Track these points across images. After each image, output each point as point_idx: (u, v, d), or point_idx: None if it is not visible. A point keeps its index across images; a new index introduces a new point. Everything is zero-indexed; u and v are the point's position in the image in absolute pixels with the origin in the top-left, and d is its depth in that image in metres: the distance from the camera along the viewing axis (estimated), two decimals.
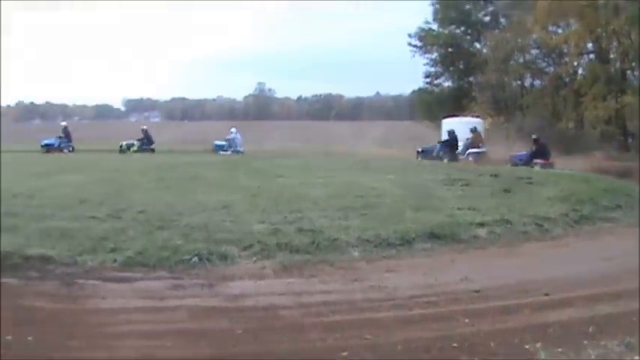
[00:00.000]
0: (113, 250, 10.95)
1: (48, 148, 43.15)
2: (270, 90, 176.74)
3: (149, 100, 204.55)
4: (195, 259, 10.64)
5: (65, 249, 10.93)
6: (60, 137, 44.44)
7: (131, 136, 44.79)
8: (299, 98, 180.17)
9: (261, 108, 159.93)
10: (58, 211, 14.35)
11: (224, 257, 10.78)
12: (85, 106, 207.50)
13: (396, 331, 7.59)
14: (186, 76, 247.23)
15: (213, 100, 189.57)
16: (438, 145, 38.17)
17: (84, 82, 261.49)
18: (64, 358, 6.77)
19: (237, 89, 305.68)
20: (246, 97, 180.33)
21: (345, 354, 6.84)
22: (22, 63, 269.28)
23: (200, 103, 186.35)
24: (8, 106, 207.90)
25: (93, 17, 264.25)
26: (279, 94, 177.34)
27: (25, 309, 8.58)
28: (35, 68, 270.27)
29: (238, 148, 43.03)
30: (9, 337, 7.32)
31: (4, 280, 9.76)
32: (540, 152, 32.95)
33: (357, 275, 10.19)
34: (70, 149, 43.68)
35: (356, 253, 11.43)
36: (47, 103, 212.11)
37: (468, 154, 36.46)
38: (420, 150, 38.81)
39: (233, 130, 44.86)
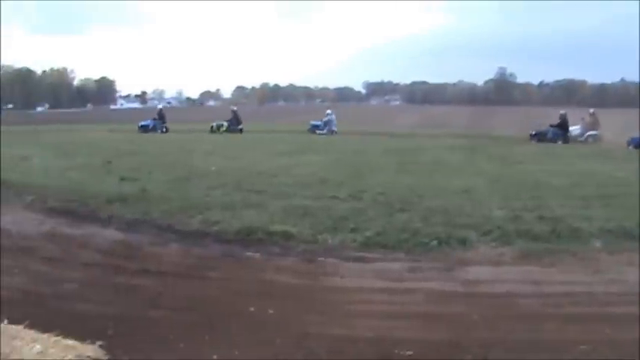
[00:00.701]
0: (353, 230, 11.11)
1: (144, 128, 45.68)
2: (511, 75, 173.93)
3: (390, 83, 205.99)
4: (434, 242, 10.57)
5: (307, 227, 11.26)
6: (154, 119, 47.00)
7: (371, 118, 45.19)
8: (540, 83, 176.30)
9: (501, 93, 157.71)
10: (300, 190, 14.81)
11: (463, 242, 10.62)
12: (326, 89, 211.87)
13: (637, 328, 7.22)
14: (428, 59, 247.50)
15: (454, 84, 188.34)
16: (551, 129, 39.09)
17: (326, 65, 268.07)
18: (303, 332, 6.94)
19: (479, 74, 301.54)
20: (486, 82, 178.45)
21: (583, 347, 6.60)
22: (268, 46, 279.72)
23: (440, 88, 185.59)
24: (253, 88, 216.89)
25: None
26: (520, 79, 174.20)
27: (267, 282, 8.91)
28: (278, 51, 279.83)
29: (333, 128, 44.95)
30: (252, 309, 7.65)
31: (248, 253, 10.21)
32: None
33: (597, 267, 9.70)
34: (164, 130, 45.90)
35: (597, 244, 10.90)
36: (290, 85, 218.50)
37: (588, 135, 38.31)
38: (533, 133, 39.49)
39: (329, 111, 47.12)
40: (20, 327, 4.58)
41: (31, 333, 4.49)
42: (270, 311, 7.58)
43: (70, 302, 8.23)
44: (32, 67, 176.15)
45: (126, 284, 8.95)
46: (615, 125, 41.39)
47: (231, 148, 28.82)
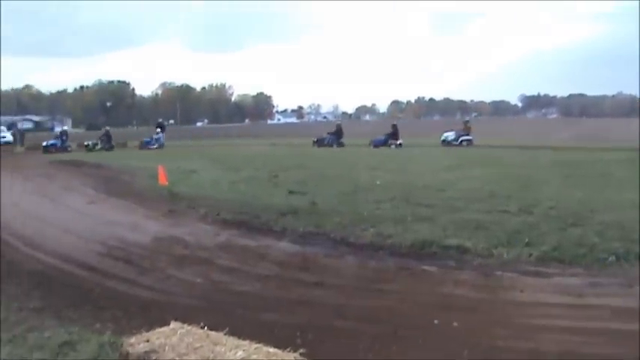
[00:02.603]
0: (528, 245, 10.94)
1: (49, 149, 46.62)
2: None
3: (546, 96, 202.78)
4: (612, 257, 10.25)
5: (481, 241, 11.18)
6: (57, 137, 49.13)
7: (528, 131, 44.21)
8: None
9: None
10: (470, 204, 14.72)
11: None
12: (482, 102, 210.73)
13: None
14: (585, 71, 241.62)
15: (612, 96, 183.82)
16: (328, 136, 50.25)
17: (482, 78, 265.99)
18: (491, 346, 6.95)
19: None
20: None
21: None
22: (424, 60, 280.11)
23: (599, 100, 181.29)
24: (409, 102, 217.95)
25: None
26: None
27: (446, 296, 8.92)
28: (434, 65, 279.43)
29: (162, 142, 51.49)
30: (436, 321, 7.69)
31: (424, 267, 10.25)
32: (393, 135, 47.30)
33: None
34: (68, 149, 47.10)
35: None
36: (446, 99, 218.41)
37: (461, 140, 46.74)
38: (315, 140, 49.86)
39: (158, 130, 54.13)
40: (221, 334, 4.75)
41: (232, 339, 4.64)
42: (455, 324, 7.62)
43: (254, 311, 8.51)
44: (192, 84, 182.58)
45: (307, 295, 9.18)
46: None
47: (392, 163, 28.91)
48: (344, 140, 49.56)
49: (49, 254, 12.09)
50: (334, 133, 50.38)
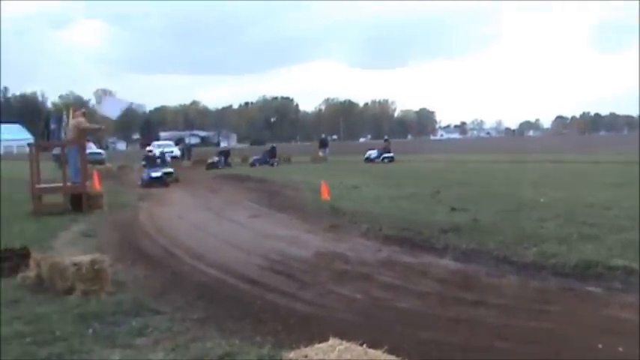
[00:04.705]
0: None
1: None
2: None
3: None
4: None
5: None
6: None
7: None
8: None
9: None
10: (637, 224, 14.20)
11: None
12: None
13: None
14: None
15: None
16: (219, 157, 52.09)
17: None
18: None
19: None
20: None
21: None
22: (589, 75, 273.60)
23: None
24: (573, 117, 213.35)
25: None
26: None
27: (611, 319, 8.64)
28: (599, 79, 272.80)
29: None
30: (600, 346, 7.47)
31: (589, 288, 9.97)
32: (272, 154, 52.79)
33: None
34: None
35: None
36: (612, 114, 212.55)
37: (383, 157, 51.61)
38: (209, 162, 51.28)
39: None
40: (379, 351, 4.76)
41: (391, 358, 4.65)
42: (620, 349, 7.38)
43: (414, 329, 8.49)
44: (355, 100, 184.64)
45: (467, 314, 9.08)
46: None
47: (556, 180, 28.26)
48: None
49: (213, 266, 12.44)
50: (222, 152, 54.86)
